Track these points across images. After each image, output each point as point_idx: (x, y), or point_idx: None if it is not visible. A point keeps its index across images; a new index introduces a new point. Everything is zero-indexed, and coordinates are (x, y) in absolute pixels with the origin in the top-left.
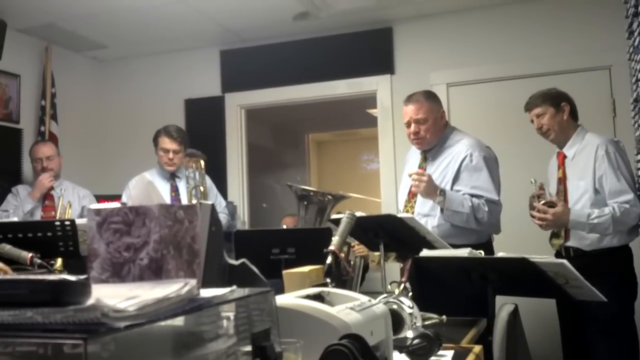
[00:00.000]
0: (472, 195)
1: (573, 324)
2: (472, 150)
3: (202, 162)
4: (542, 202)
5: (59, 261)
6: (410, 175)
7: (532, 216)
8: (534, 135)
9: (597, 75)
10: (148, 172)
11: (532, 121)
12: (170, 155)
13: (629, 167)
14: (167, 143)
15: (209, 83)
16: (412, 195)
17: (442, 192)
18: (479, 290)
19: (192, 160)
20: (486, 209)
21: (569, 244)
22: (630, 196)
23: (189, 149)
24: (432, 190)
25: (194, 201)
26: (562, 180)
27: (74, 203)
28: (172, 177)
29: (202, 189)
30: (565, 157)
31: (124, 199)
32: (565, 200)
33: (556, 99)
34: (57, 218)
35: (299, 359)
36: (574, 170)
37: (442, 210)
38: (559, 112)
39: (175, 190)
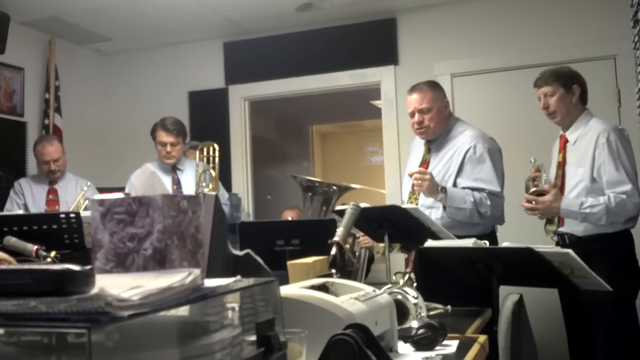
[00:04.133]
0: (474, 189)
1: (576, 313)
2: (476, 142)
3: (215, 146)
4: (532, 190)
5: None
6: (411, 176)
7: (524, 205)
8: (537, 125)
9: (602, 65)
10: (150, 164)
11: (539, 99)
12: (168, 148)
13: (631, 157)
14: (163, 136)
15: (213, 75)
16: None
17: (444, 189)
18: (483, 281)
19: (204, 144)
20: (488, 202)
21: (562, 229)
22: (628, 187)
23: (193, 141)
24: (434, 188)
25: (203, 184)
26: (562, 165)
27: (78, 195)
28: (173, 169)
29: (212, 172)
30: (567, 141)
31: (127, 191)
32: (562, 185)
33: (568, 80)
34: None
35: (304, 348)
36: (573, 155)
37: (444, 207)
38: (568, 94)
39: (177, 182)
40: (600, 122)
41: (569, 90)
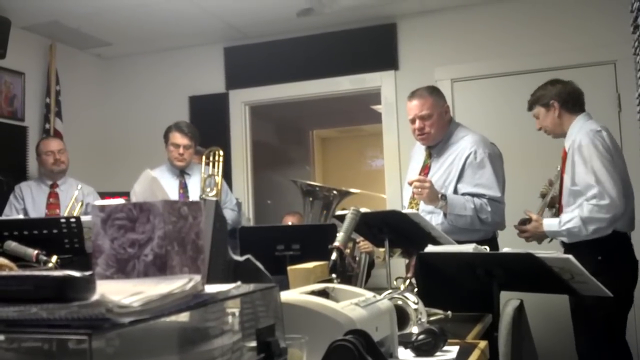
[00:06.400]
0: (475, 194)
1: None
2: (477, 147)
3: (220, 152)
4: (520, 220)
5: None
6: (410, 184)
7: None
8: (538, 130)
9: (602, 70)
10: (158, 168)
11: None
12: (181, 150)
13: (604, 159)
14: (177, 138)
15: (213, 80)
16: None
17: (444, 197)
18: (484, 286)
19: (210, 150)
20: (489, 208)
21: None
22: (595, 190)
23: (196, 147)
24: (434, 196)
25: (208, 190)
26: (561, 176)
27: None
28: (181, 173)
29: (217, 178)
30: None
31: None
32: (560, 196)
33: (543, 99)
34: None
35: (304, 354)
36: (567, 164)
37: (445, 214)
38: (549, 111)
39: (184, 187)
40: (581, 127)
41: (548, 107)
